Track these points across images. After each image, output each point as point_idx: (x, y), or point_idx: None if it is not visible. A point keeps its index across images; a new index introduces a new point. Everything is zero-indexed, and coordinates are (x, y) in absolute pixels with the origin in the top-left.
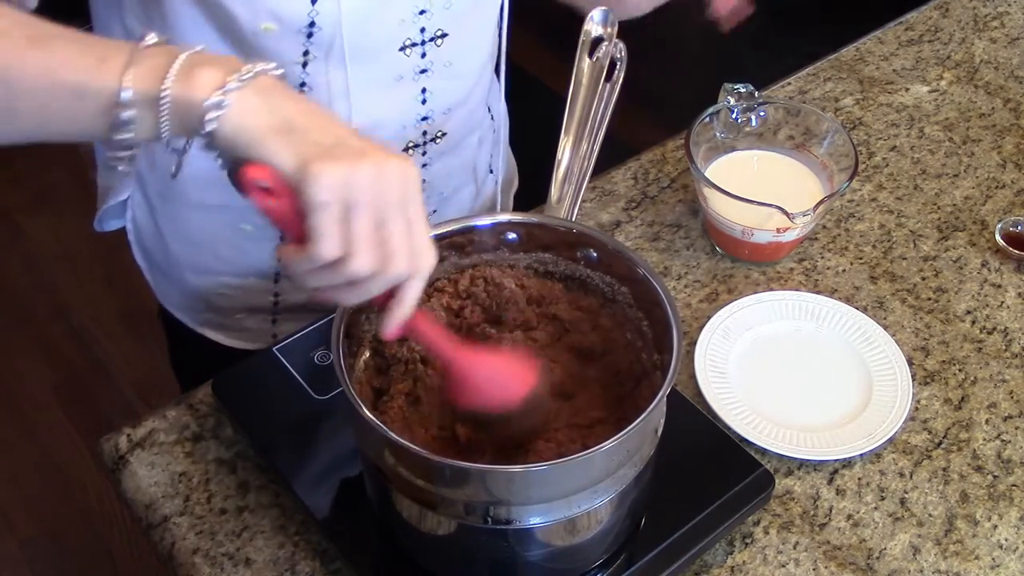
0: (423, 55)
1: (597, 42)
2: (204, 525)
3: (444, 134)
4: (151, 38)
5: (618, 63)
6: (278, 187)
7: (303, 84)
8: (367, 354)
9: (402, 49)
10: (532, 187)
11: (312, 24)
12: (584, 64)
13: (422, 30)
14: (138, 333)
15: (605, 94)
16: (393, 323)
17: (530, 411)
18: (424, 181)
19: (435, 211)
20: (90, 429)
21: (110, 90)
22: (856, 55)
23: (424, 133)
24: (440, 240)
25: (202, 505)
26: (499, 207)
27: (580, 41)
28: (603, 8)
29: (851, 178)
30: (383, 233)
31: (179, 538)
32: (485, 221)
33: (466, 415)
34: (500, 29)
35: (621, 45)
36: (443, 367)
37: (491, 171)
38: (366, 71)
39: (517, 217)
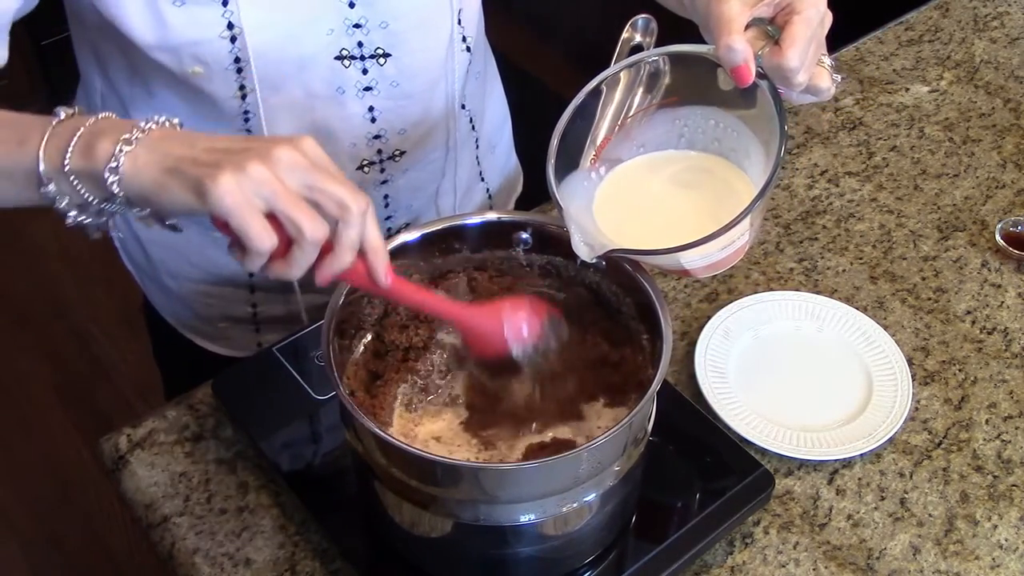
0: (364, 71)
1: (636, 50)
2: (204, 525)
3: (403, 152)
4: (64, 112)
5: (663, 75)
6: None
7: (246, 112)
8: (368, 337)
9: (339, 59)
10: (530, 188)
11: (237, 60)
12: (621, 72)
13: (359, 44)
14: (138, 333)
15: (642, 102)
16: (380, 266)
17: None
18: (387, 196)
19: (407, 224)
20: (90, 429)
21: (31, 170)
22: (856, 55)
23: (379, 152)
24: (446, 234)
25: (202, 505)
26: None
27: (618, 50)
28: (645, 15)
29: (781, 146)
30: (316, 195)
31: (179, 538)
32: (496, 216)
33: (491, 366)
34: (452, 51)
35: (666, 56)
36: (456, 326)
37: (482, 179)
38: (301, 83)
39: (530, 218)
